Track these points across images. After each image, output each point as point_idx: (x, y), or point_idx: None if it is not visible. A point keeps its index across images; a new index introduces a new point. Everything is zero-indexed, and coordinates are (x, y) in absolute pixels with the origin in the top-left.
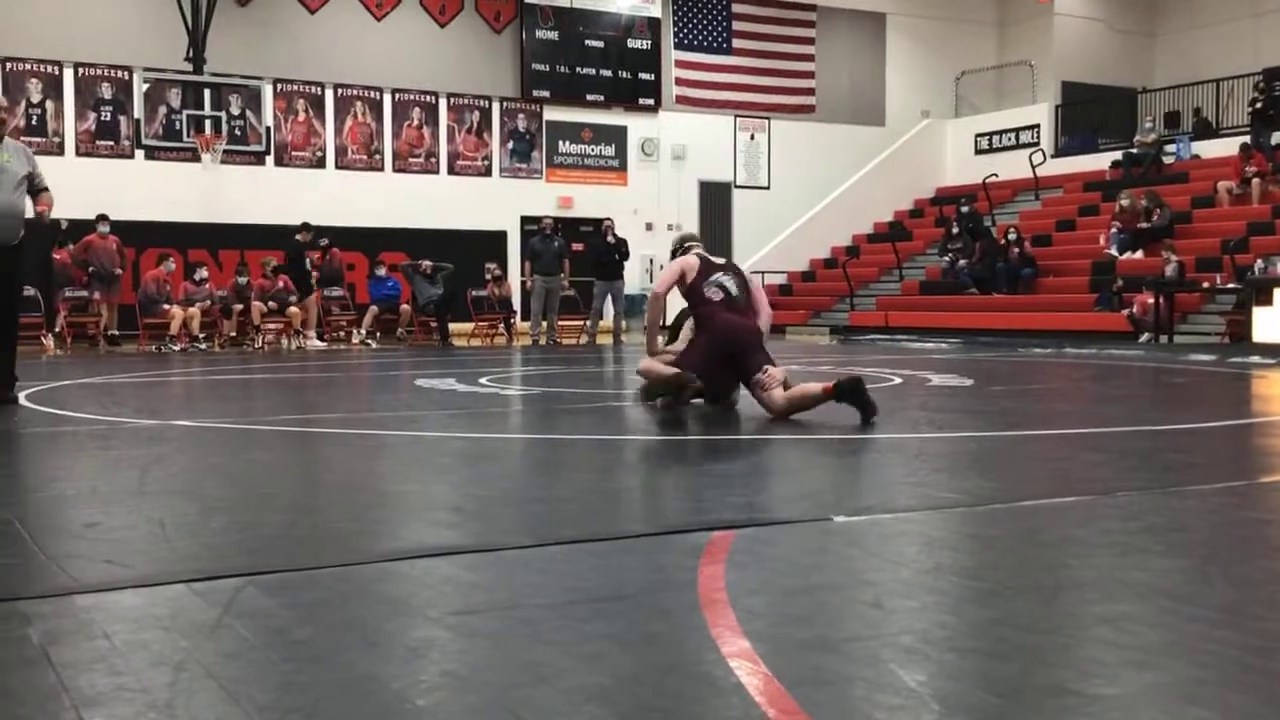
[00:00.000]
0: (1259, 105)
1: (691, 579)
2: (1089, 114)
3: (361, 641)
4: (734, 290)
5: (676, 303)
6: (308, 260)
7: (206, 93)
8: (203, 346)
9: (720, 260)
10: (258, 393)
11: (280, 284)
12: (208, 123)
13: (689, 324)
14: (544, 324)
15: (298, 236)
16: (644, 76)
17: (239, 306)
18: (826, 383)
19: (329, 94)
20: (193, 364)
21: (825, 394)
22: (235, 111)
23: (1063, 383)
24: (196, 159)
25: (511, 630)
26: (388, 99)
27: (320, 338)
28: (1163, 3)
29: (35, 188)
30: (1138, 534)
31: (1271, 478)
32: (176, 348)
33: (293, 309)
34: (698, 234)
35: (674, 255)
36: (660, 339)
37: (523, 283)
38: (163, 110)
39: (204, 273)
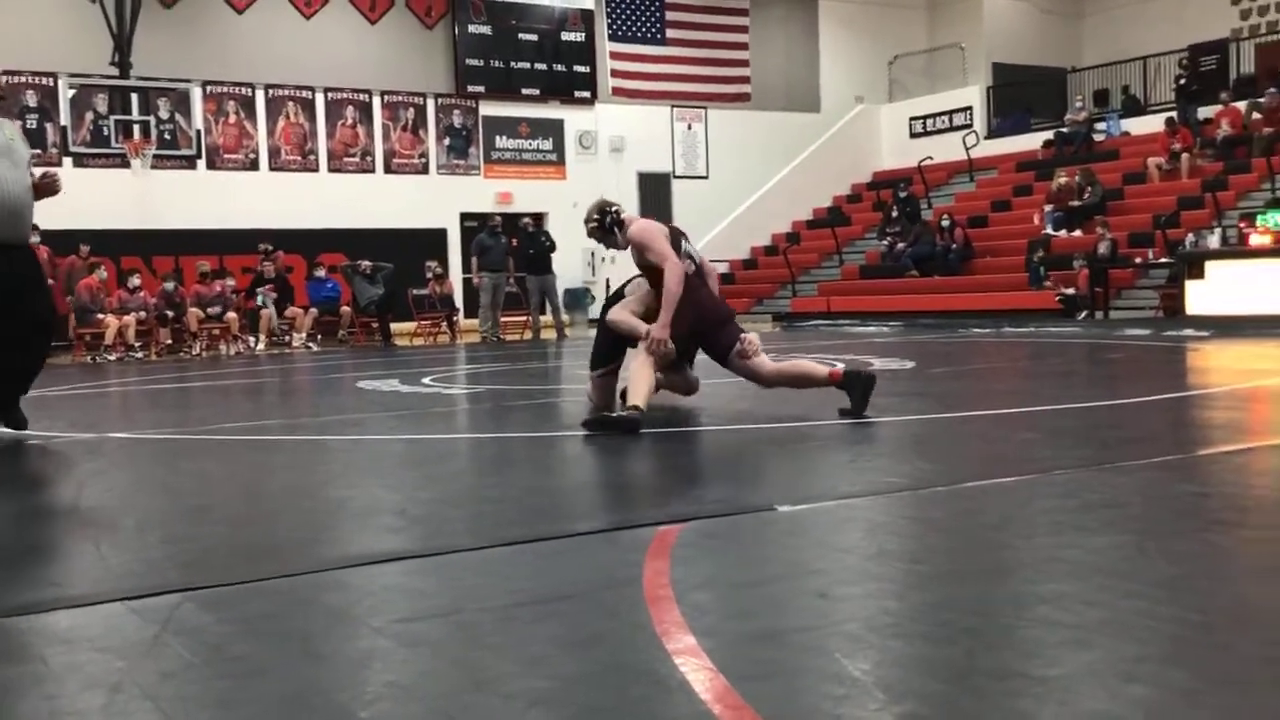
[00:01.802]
0: (1184, 81)
1: (637, 576)
2: (1020, 95)
3: (302, 654)
4: (697, 261)
5: (627, 268)
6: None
7: (134, 97)
8: (139, 355)
9: (669, 225)
10: (196, 401)
11: (218, 289)
12: (136, 128)
13: (637, 289)
14: (491, 319)
15: (267, 255)
16: (579, 69)
17: (174, 313)
18: (833, 368)
19: (260, 95)
20: (129, 374)
21: (831, 380)
22: (164, 115)
23: (1002, 362)
24: (126, 165)
25: (455, 636)
26: (320, 98)
27: (257, 343)
28: None
29: None
30: (1076, 512)
31: (1207, 450)
32: (112, 357)
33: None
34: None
35: (602, 224)
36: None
37: (468, 280)
38: (90, 116)
39: (137, 280)
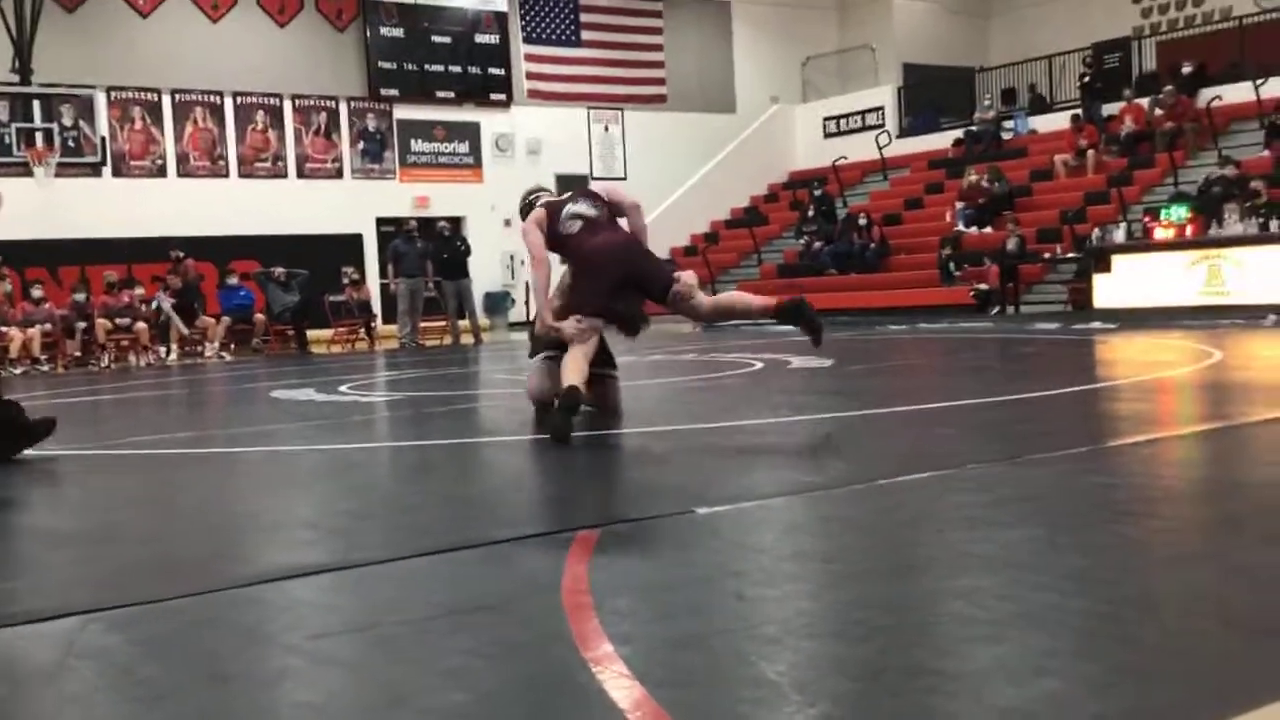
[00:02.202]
0: (1088, 79)
1: (555, 583)
2: (930, 94)
3: (211, 675)
4: (592, 212)
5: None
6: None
7: (36, 104)
8: (45, 368)
9: (566, 195)
10: (105, 415)
11: (126, 299)
12: (39, 135)
13: (559, 287)
14: (409, 325)
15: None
16: (494, 72)
17: (82, 325)
18: (768, 299)
19: (166, 100)
20: (35, 387)
21: (766, 311)
22: (68, 122)
23: (917, 358)
24: (29, 173)
25: (370, 652)
26: (229, 103)
27: (168, 353)
28: None
29: None
30: (989, 506)
31: (1115, 442)
32: (17, 371)
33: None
34: (543, 185)
35: (523, 215)
36: (555, 302)
37: (385, 285)
38: None
39: (40, 291)
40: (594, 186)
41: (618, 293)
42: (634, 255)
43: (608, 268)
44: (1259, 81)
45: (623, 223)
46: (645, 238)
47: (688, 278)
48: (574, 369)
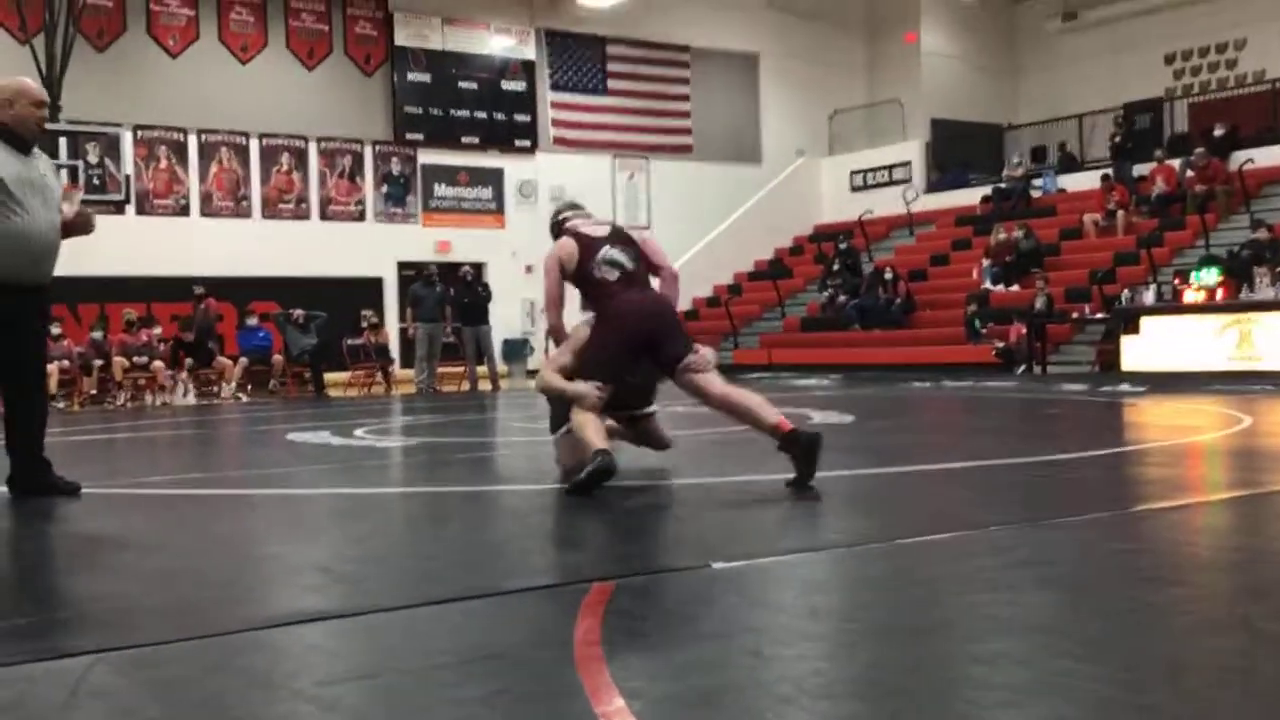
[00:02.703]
0: (1119, 139)
1: (567, 635)
2: (958, 150)
3: (218, 719)
4: (630, 264)
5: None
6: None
7: (62, 141)
8: (61, 406)
9: (603, 230)
10: (119, 454)
11: (144, 338)
12: (64, 171)
13: (583, 320)
14: (426, 370)
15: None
16: (519, 118)
17: (99, 363)
18: (781, 419)
19: (192, 140)
20: (51, 424)
21: (774, 432)
22: (93, 160)
23: (939, 416)
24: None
25: (377, 700)
26: (255, 144)
27: (186, 393)
28: (1025, 41)
29: None
30: (1009, 569)
31: (1140, 507)
32: None
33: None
34: (573, 200)
35: (553, 232)
36: (564, 359)
37: (404, 329)
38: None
39: (59, 328)
40: (640, 238)
41: (634, 357)
42: (663, 319)
43: (634, 327)
44: None
45: (654, 281)
46: (676, 302)
47: (706, 354)
48: (595, 432)
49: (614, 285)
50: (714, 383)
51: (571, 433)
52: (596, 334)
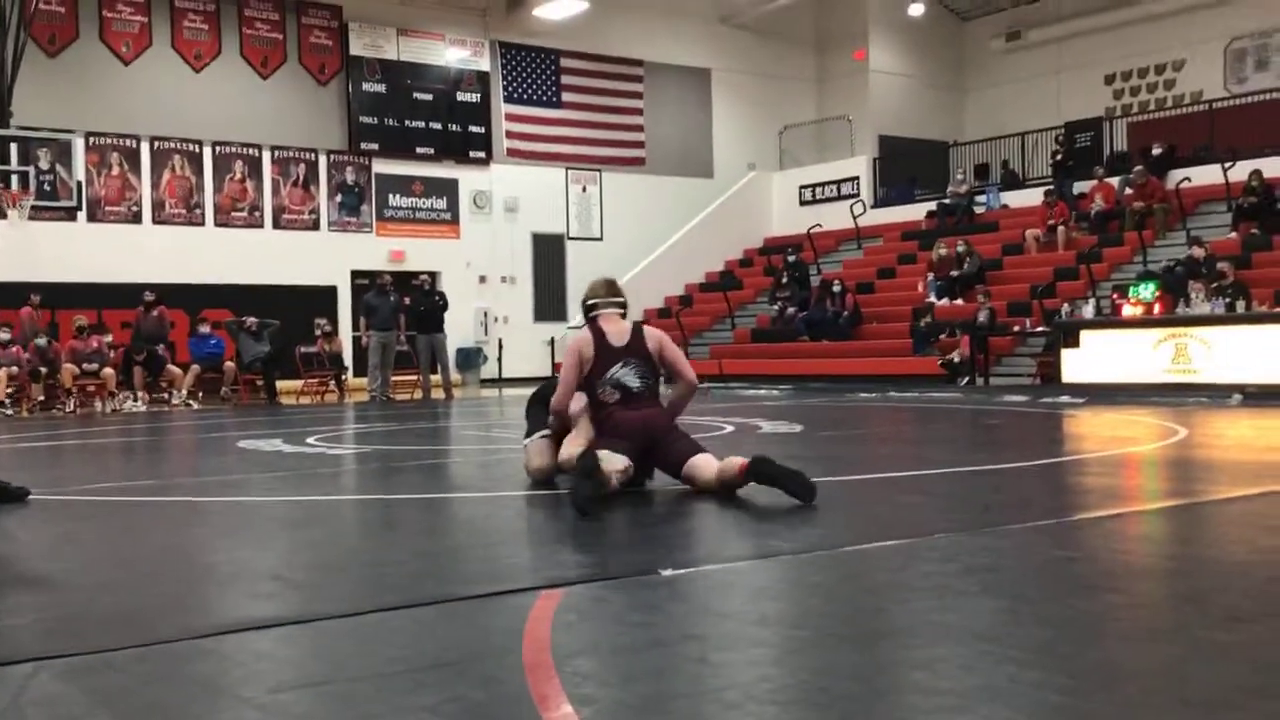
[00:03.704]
0: (1060, 157)
1: (516, 642)
2: (905, 166)
3: None
4: (635, 386)
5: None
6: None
7: (13, 147)
8: (9, 412)
9: (624, 337)
10: (68, 460)
11: (94, 345)
12: (14, 178)
13: (582, 417)
14: (380, 379)
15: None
16: (474, 129)
17: (45, 369)
18: (738, 461)
19: (145, 147)
20: None
21: (741, 473)
22: (44, 166)
23: (886, 426)
24: (2, 216)
25: (327, 707)
26: (208, 151)
27: (136, 400)
28: (971, 61)
29: None
30: (954, 576)
31: (1078, 516)
32: None
33: (120, 371)
34: (610, 280)
35: (583, 311)
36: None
37: (357, 338)
38: None
39: (6, 334)
40: (649, 339)
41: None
42: (657, 437)
43: (627, 439)
44: (1227, 165)
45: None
46: (680, 412)
47: (703, 461)
48: (579, 446)
49: (613, 406)
50: (706, 480)
51: (540, 440)
52: (602, 435)
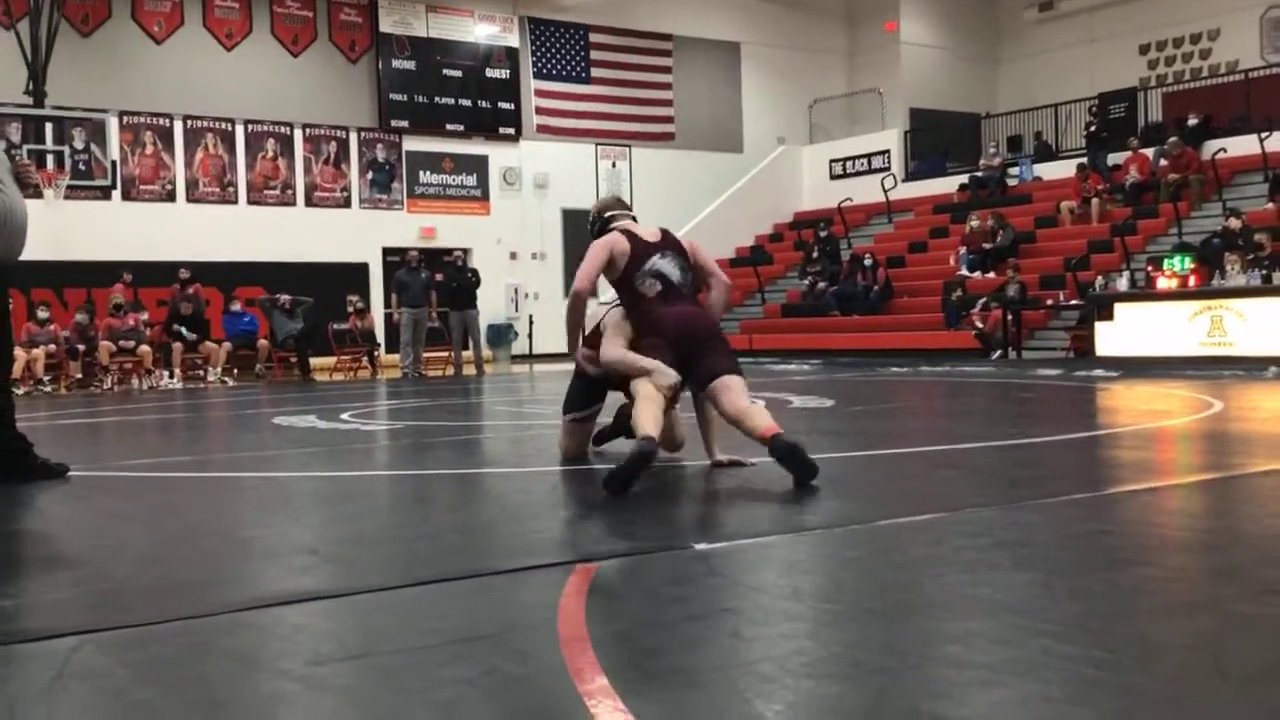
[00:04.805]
0: (1094, 128)
1: (552, 616)
2: (936, 139)
3: (205, 700)
4: (676, 276)
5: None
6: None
7: (48, 127)
8: (48, 389)
9: (655, 235)
10: (106, 437)
11: (131, 322)
12: (50, 157)
13: (614, 320)
14: (411, 355)
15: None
16: (504, 106)
17: (82, 347)
18: (770, 427)
19: (178, 126)
20: (38, 408)
21: (762, 439)
22: (79, 145)
23: (918, 400)
24: (38, 195)
25: (364, 680)
26: (240, 130)
27: (172, 377)
28: (1003, 31)
29: None
30: (987, 550)
31: (1115, 489)
32: (20, 391)
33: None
34: (618, 196)
35: (593, 230)
36: (620, 340)
37: (389, 315)
38: (2, 145)
39: (46, 312)
40: (684, 243)
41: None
42: (703, 337)
43: (672, 342)
44: (1264, 135)
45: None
46: (720, 316)
47: (734, 383)
48: (651, 417)
49: (655, 299)
50: (731, 404)
51: (570, 422)
52: (643, 335)
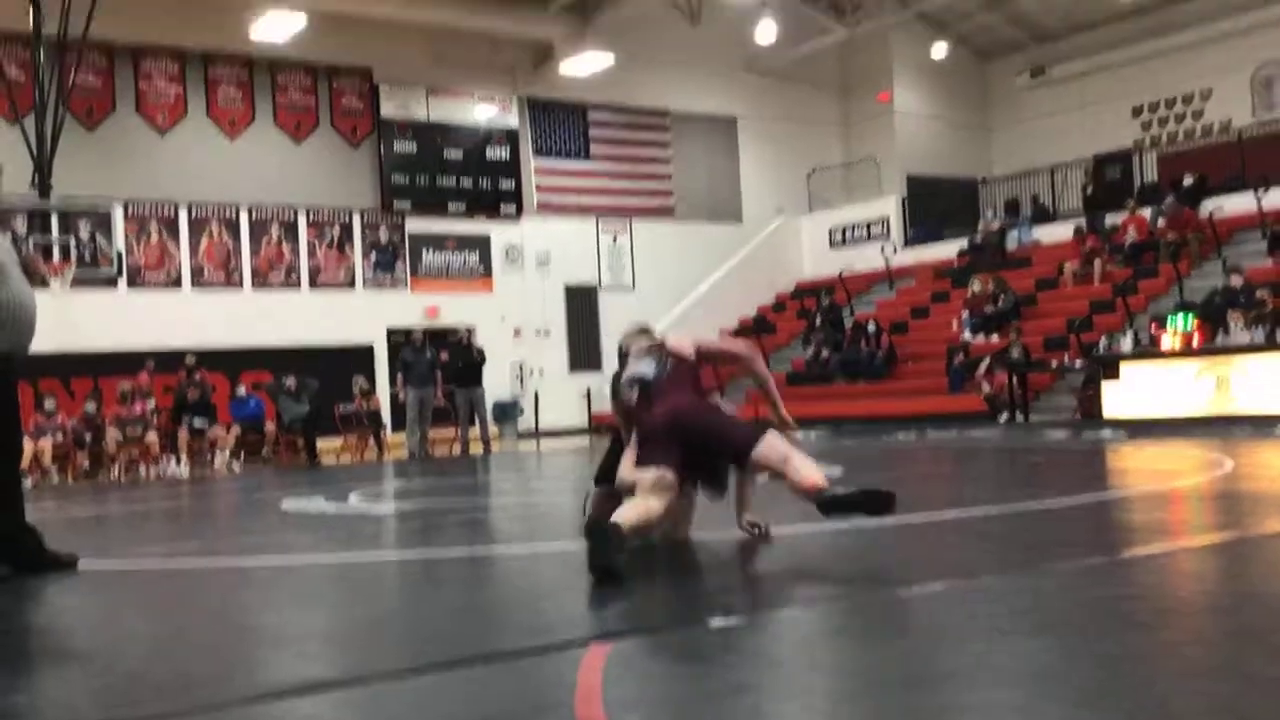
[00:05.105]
0: (1090, 190)
1: (569, 697)
2: (934, 204)
3: None
4: (651, 372)
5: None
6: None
7: (54, 218)
8: (55, 480)
9: (643, 346)
10: (114, 527)
11: (138, 411)
12: (56, 248)
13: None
14: (418, 435)
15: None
16: (505, 185)
17: (89, 436)
18: (818, 480)
19: (183, 213)
20: (45, 499)
21: (809, 495)
22: (85, 236)
23: (928, 466)
24: (45, 286)
25: None
26: (244, 216)
27: (179, 464)
28: (996, 98)
29: None
30: (1004, 617)
31: (1130, 553)
32: (28, 483)
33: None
34: (640, 323)
35: (620, 359)
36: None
37: (394, 395)
38: (7, 238)
39: (53, 403)
40: (670, 341)
41: (679, 455)
42: (696, 421)
43: (667, 439)
44: (1260, 192)
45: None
46: (769, 384)
47: (769, 451)
48: (629, 511)
49: (638, 406)
50: (778, 461)
51: (597, 491)
52: (641, 446)
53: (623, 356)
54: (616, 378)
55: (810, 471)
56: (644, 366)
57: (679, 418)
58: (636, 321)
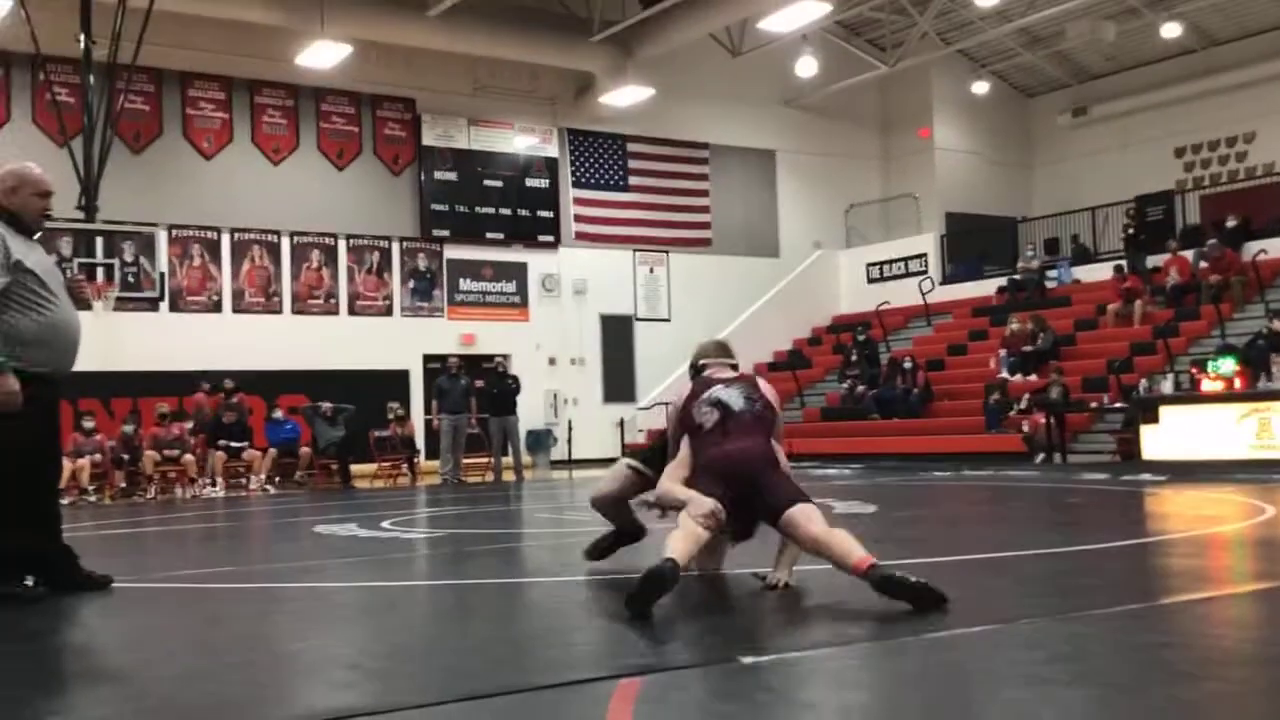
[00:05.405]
0: (1131, 231)
1: None
2: (973, 242)
3: None
4: (738, 405)
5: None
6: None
7: (99, 240)
8: (92, 499)
9: (727, 373)
10: (148, 547)
11: (175, 432)
12: (100, 270)
13: (683, 455)
14: (451, 462)
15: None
16: (543, 214)
17: (127, 456)
18: (864, 559)
19: (225, 238)
20: (81, 518)
21: (856, 571)
22: (128, 258)
23: (963, 506)
24: (88, 307)
25: None
26: (286, 241)
27: (215, 485)
28: (1037, 137)
29: None
30: (1043, 663)
31: (1167, 599)
32: (65, 501)
33: (201, 457)
34: (721, 341)
35: (691, 374)
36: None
37: (429, 421)
38: (53, 259)
39: (92, 422)
40: (762, 382)
41: (736, 503)
42: (753, 474)
43: (721, 481)
44: None
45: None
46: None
47: (803, 514)
48: (681, 543)
49: (712, 431)
50: (807, 534)
51: (627, 467)
52: (697, 473)
53: (695, 369)
54: (695, 393)
55: (856, 548)
56: (734, 396)
57: (749, 463)
58: (715, 338)
